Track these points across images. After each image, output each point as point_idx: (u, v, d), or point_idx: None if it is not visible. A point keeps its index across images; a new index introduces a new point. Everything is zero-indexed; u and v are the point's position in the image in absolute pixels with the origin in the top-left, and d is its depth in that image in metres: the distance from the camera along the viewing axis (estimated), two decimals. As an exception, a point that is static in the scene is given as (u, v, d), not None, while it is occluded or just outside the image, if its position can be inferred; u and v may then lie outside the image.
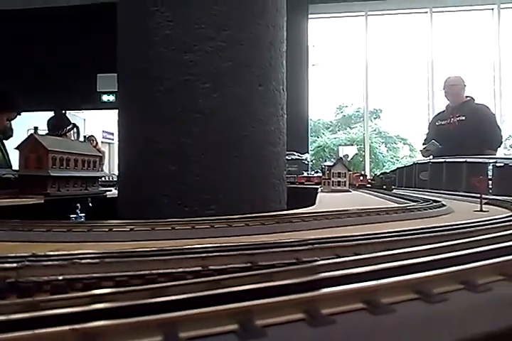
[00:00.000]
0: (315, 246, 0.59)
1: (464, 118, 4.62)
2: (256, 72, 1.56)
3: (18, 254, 0.52)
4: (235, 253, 0.56)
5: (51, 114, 5.09)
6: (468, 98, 4.78)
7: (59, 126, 4.35)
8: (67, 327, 0.27)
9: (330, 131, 12.80)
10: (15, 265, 0.48)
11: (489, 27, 7.98)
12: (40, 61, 7.21)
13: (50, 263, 0.49)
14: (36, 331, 0.26)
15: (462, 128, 4.53)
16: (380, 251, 0.48)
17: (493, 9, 7.81)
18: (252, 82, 1.55)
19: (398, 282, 0.37)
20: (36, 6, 7.18)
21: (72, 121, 4.57)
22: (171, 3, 1.47)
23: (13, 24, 7.30)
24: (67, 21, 7.26)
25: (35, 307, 0.30)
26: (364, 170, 8.39)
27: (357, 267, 0.40)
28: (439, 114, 5.13)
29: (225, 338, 0.31)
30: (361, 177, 3.18)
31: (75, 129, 4.45)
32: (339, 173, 2.94)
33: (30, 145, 1.87)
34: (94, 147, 4.10)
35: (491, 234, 0.67)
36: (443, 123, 4.84)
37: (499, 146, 4.63)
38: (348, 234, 0.67)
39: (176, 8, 1.46)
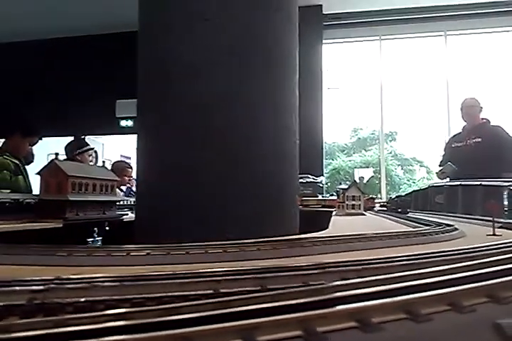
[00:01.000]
0: (322, 270, 0.62)
1: (480, 140, 4.61)
2: (269, 99, 1.62)
3: (43, 277, 0.56)
4: (245, 276, 0.59)
5: (71, 139, 5.23)
6: (484, 120, 4.78)
7: (76, 147, 4.47)
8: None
9: (345, 154, 12.82)
10: (41, 287, 0.52)
11: (506, 49, 8.00)
12: (61, 88, 7.44)
13: (73, 286, 0.53)
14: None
15: (478, 150, 4.51)
16: (382, 275, 0.51)
17: (508, 31, 7.85)
18: (265, 108, 1.60)
19: (388, 303, 0.40)
20: (58, 36, 7.47)
21: (92, 146, 4.68)
22: (188, 34, 1.54)
23: (34, 52, 7.59)
24: (88, 49, 7.53)
25: (63, 324, 0.34)
26: (380, 192, 8.34)
27: (353, 289, 0.43)
28: (455, 135, 5.13)
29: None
30: (370, 201, 3.23)
31: (93, 154, 4.55)
32: (353, 196, 2.95)
33: (51, 170, 1.94)
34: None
35: (494, 256, 0.69)
36: (459, 145, 4.83)
37: None
38: (355, 259, 0.70)
39: (189, 36, 1.54)
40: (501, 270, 0.53)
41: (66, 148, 4.55)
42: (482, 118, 4.79)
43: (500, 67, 8.30)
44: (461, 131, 4.98)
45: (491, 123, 4.78)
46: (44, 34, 7.43)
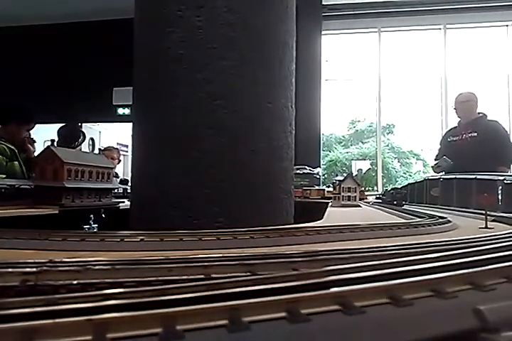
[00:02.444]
0: (311, 258, 0.63)
1: (475, 134, 4.60)
2: (265, 90, 1.62)
3: (37, 260, 0.57)
4: (235, 262, 0.60)
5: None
6: (481, 114, 4.77)
7: (71, 137, 4.44)
8: (82, 318, 0.32)
9: (342, 146, 12.80)
10: (34, 270, 0.53)
11: (503, 43, 8.00)
12: (58, 75, 7.40)
13: (66, 268, 0.54)
14: (56, 320, 0.31)
15: (474, 145, 4.51)
16: (363, 262, 0.53)
17: (507, 26, 7.84)
18: (261, 99, 1.60)
19: (371, 288, 0.42)
20: (55, 21, 7.40)
21: (89, 134, 4.67)
22: (184, 24, 1.54)
23: (31, 38, 7.53)
24: (85, 36, 7.47)
25: (54, 303, 0.35)
26: (376, 185, 8.38)
27: (338, 275, 0.44)
28: (450, 129, 5.13)
29: (216, 331, 0.35)
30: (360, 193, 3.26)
31: (90, 141, 4.55)
32: (349, 188, 2.96)
33: (47, 157, 1.94)
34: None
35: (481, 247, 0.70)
36: (455, 139, 4.83)
37: None
38: (344, 248, 0.71)
39: (188, 29, 1.53)
40: (485, 259, 0.55)
41: (58, 132, 4.53)
42: (479, 113, 4.78)
43: (499, 61, 8.28)
44: (457, 125, 4.98)
45: (488, 118, 4.77)
46: (40, 20, 7.36)
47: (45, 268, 0.54)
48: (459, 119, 4.91)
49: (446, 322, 0.39)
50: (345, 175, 3.26)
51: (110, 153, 5.09)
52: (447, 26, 7.95)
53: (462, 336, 0.38)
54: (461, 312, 0.41)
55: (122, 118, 7.43)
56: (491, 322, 0.39)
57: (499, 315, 0.40)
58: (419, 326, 0.38)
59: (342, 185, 2.94)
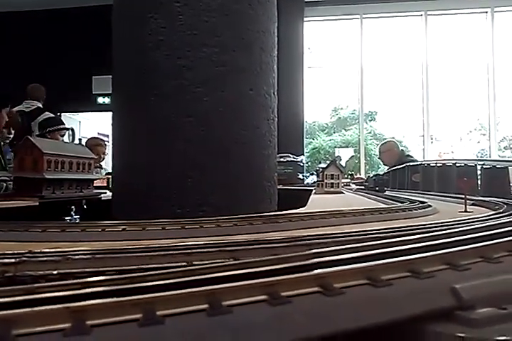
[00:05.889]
0: (292, 243, 0.63)
1: None
2: (247, 77, 1.61)
3: (15, 251, 0.57)
4: (218, 249, 0.60)
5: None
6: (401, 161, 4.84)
7: (49, 124, 4.33)
8: (60, 306, 0.31)
9: (325, 133, 12.82)
10: (13, 260, 0.52)
11: (483, 30, 8.07)
12: (36, 63, 7.24)
13: (45, 259, 0.54)
14: (35, 308, 0.31)
15: None
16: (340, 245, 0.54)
17: (487, 12, 7.91)
18: (243, 86, 1.59)
19: (350, 269, 0.43)
20: (33, 8, 7.23)
21: (68, 124, 4.58)
22: (164, 10, 1.51)
23: (8, 26, 7.35)
24: (63, 23, 7.31)
25: (33, 292, 0.35)
26: (359, 172, 8.46)
27: (317, 258, 0.45)
28: None
29: (196, 315, 0.35)
30: None
31: (70, 131, 4.46)
32: (332, 175, 2.98)
33: (26, 147, 1.90)
34: None
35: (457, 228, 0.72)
36: None
37: None
38: (324, 233, 0.72)
39: (168, 15, 1.51)
40: (461, 240, 0.56)
41: (41, 124, 4.44)
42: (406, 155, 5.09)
43: (479, 47, 8.36)
44: None
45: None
46: (17, 6, 7.18)
47: (24, 258, 0.53)
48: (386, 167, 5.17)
49: (423, 302, 0.40)
50: (328, 162, 3.28)
51: (96, 143, 4.94)
52: (428, 13, 8.00)
53: (439, 314, 0.39)
54: (438, 291, 0.42)
55: (102, 108, 7.33)
56: (466, 300, 0.40)
57: (474, 293, 0.42)
58: (397, 306, 0.39)
59: (325, 173, 2.97)
